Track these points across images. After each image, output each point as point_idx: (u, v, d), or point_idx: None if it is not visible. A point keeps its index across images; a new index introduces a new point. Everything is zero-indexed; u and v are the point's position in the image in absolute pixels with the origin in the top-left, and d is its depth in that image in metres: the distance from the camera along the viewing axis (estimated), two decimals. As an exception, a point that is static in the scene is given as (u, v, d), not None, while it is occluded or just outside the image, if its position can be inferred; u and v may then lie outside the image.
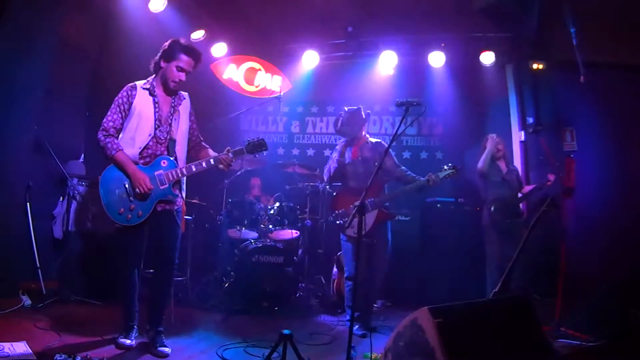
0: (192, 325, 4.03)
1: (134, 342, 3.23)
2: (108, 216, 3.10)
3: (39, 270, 4.25)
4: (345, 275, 4.38)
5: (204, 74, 5.93)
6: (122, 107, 3.21)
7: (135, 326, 3.30)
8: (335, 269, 5.28)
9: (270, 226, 5.25)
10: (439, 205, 5.79)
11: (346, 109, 4.45)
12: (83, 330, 3.41)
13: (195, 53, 3.30)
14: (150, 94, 3.27)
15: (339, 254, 4.94)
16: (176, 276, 3.67)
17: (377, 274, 4.22)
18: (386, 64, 6.27)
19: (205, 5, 5.92)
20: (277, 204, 5.31)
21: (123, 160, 3.13)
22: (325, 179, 4.60)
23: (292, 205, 5.35)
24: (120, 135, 3.24)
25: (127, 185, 3.13)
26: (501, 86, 6.24)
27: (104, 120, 3.19)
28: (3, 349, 2.69)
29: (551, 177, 4.71)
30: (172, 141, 3.30)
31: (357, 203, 3.08)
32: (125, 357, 3.08)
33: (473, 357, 2.13)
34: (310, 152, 7.25)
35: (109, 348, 3.14)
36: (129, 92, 3.23)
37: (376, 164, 3.47)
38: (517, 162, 5.84)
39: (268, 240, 5.07)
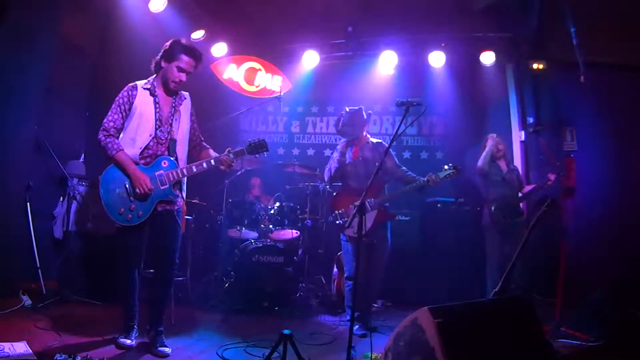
0: (192, 325, 4.03)
1: (134, 342, 3.23)
2: (108, 216, 3.10)
3: (39, 270, 4.25)
4: (345, 275, 4.38)
5: (204, 74, 5.93)
6: (122, 107, 3.20)
7: (135, 326, 3.30)
8: (335, 269, 5.28)
9: (271, 226, 5.25)
10: (439, 205, 5.80)
11: (347, 109, 4.45)
12: (83, 330, 3.41)
13: (196, 53, 3.29)
14: (151, 94, 3.26)
15: (339, 253, 4.94)
16: (176, 276, 3.66)
17: (377, 274, 4.22)
18: (386, 63, 6.28)
19: (205, 5, 5.92)
20: (278, 204, 5.31)
21: (123, 161, 3.13)
22: (326, 178, 4.60)
23: (292, 205, 5.36)
24: (121, 136, 3.23)
25: (127, 186, 3.13)
26: (501, 86, 6.25)
27: (105, 120, 3.19)
28: (3, 349, 2.69)
29: (552, 177, 4.71)
30: (173, 141, 3.29)
31: (357, 203, 3.08)
32: (126, 357, 3.08)
33: (473, 357, 2.13)
34: (311, 152, 7.26)
35: (109, 348, 3.14)
36: (130, 92, 3.23)
37: (377, 164, 3.47)
38: (518, 162, 5.84)
39: (268, 240, 5.07)
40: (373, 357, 3.12)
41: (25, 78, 4.22)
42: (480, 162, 4.89)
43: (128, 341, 3.20)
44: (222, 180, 5.28)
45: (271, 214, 5.26)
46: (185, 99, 3.43)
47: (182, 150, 3.37)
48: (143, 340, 3.30)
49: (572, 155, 4.94)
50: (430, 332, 2.09)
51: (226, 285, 4.93)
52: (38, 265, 4.27)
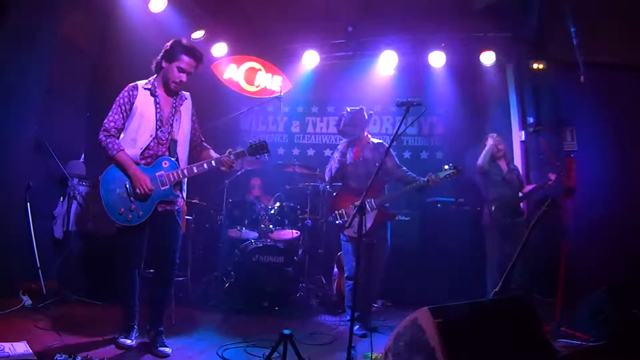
0: (192, 325, 4.03)
1: (134, 342, 3.23)
2: (108, 216, 3.10)
3: (40, 271, 4.25)
4: (345, 275, 4.38)
5: (205, 74, 5.93)
6: (123, 108, 3.20)
7: (135, 326, 3.30)
8: (335, 269, 5.28)
9: (271, 226, 5.26)
10: (439, 205, 5.80)
11: (349, 109, 4.45)
12: (83, 330, 3.41)
13: (197, 54, 3.28)
14: (152, 94, 3.26)
15: (339, 254, 4.94)
16: (177, 276, 3.66)
17: (377, 274, 4.22)
18: (386, 63, 6.28)
19: (205, 5, 5.92)
20: (278, 204, 5.32)
21: (124, 161, 3.13)
22: (327, 179, 4.60)
23: (292, 205, 5.36)
24: (122, 136, 3.23)
25: (127, 186, 3.13)
26: (501, 86, 6.25)
27: (105, 120, 3.19)
28: (3, 349, 2.69)
29: (552, 177, 4.71)
30: (174, 142, 3.29)
31: (357, 203, 3.08)
32: (126, 357, 3.08)
33: (473, 357, 2.13)
34: (311, 152, 7.26)
35: (109, 348, 3.14)
36: (130, 92, 3.22)
37: (377, 164, 3.47)
38: (518, 161, 5.84)
39: (268, 240, 5.08)
40: (373, 357, 3.12)
41: (25, 78, 4.22)
42: (480, 161, 4.89)
43: (128, 341, 3.20)
44: (222, 181, 5.28)
45: (271, 214, 5.26)
46: (186, 99, 3.42)
47: (182, 150, 3.36)
48: (143, 340, 3.30)
49: (572, 155, 4.95)
50: (431, 332, 2.10)
51: (226, 285, 4.93)
52: (38, 265, 4.27)
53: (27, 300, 3.96)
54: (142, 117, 3.20)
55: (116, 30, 5.28)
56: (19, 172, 4.31)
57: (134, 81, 3.30)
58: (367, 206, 4.03)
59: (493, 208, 4.75)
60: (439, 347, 2.04)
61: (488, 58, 5.92)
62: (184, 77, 3.25)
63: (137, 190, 3.09)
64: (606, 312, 3.66)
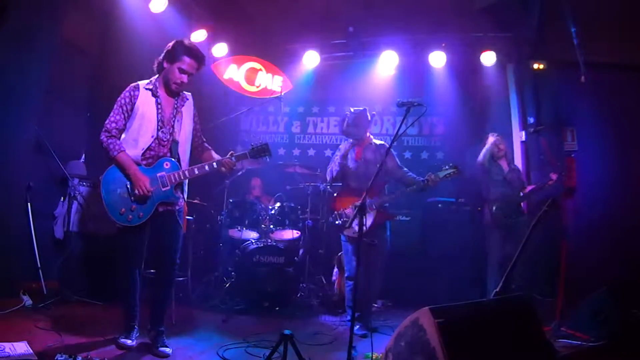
0: (193, 326, 4.04)
1: (134, 343, 3.23)
2: (109, 216, 3.10)
3: (40, 271, 4.25)
4: (345, 275, 4.38)
5: (205, 74, 5.93)
6: (124, 108, 3.19)
7: (136, 326, 3.30)
8: (336, 269, 5.28)
9: (271, 226, 5.25)
10: (439, 205, 5.80)
11: (352, 109, 4.43)
12: (84, 331, 3.41)
13: (198, 55, 3.26)
14: (153, 95, 3.25)
15: (339, 254, 4.94)
16: (177, 276, 3.66)
17: (377, 274, 4.22)
18: (387, 64, 6.28)
19: (206, 5, 5.93)
20: (278, 204, 5.31)
21: (124, 161, 3.12)
22: (328, 179, 4.60)
23: (293, 205, 5.36)
24: (123, 136, 3.22)
25: (128, 186, 3.12)
26: (502, 86, 6.25)
27: (107, 121, 3.18)
28: (4, 349, 2.69)
29: (554, 177, 4.71)
30: (175, 143, 3.29)
31: (357, 203, 3.08)
32: (126, 357, 3.08)
33: (474, 357, 2.13)
34: (311, 152, 7.25)
35: (109, 348, 3.14)
36: (132, 93, 3.21)
37: (377, 165, 3.47)
38: (518, 162, 5.83)
39: (269, 241, 5.07)
40: (374, 357, 3.12)
41: (25, 78, 4.22)
42: (480, 157, 4.92)
43: (129, 341, 3.20)
44: (223, 181, 5.28)
45: (272, 214, 5.26)
46: (187, 99, 3.41)
47: (184, 151, 3.35)
48: (144, 341, 3.30)
49: (572, 155, 4.95)
50: (431, 332, 2.10)
51: (227, 285, 4.93)
52: (39, 265, 4.26)
53: (27, 300, 3.96)
54: (143, 118, 3.20)
55: (116, 30, 5.28)
56: (19, 172, 4.31)
57: (134, 81, 3.28)
58: (367, 207, 4.02)
59: (494, 208, 4.75)
60: (439, 347, 2.04)
61: (488, 58, 5.92)
62: (185, 78, 3.24)
63: (136, 191, 3.09)
64: (606, 312, 3.66)
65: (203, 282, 5.25)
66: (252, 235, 5.28)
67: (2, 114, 4.05)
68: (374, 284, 4.26)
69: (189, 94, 3.46)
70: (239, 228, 5.21)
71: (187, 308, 4.51)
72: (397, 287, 5.15)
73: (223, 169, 3.29)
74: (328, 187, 5.26)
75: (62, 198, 4.74)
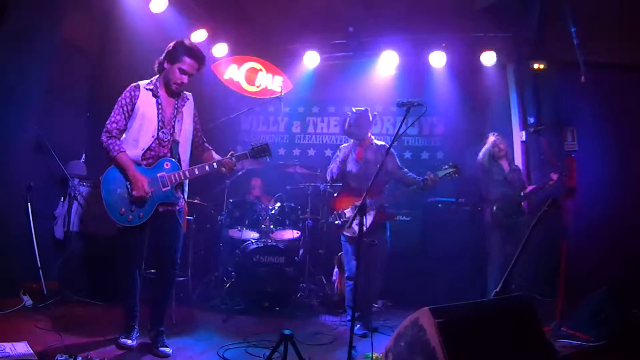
0: (193, 326, 4.04)
1: (135, 343, 3.23)
2: (109, 216, 3.10)
3: (40, 271, 4.25)
4: (345, 275, 4.38)
5: (205, 74, 5.93)
6: (125, 108, 3.19)
7: (136, 326, 3.30)
8: (336, 269, 5.28)
9: (272, 226, 5.25)
10: (439, 205, 5.80)
11: (354, 109, 4.43)
12: (84, 331, 3.41)
13: (199, 56, 3.25)
14: (154, 95, 3.24)
15: (340, 254, 4.94)
16: (177, 276, 3.66)
17: (377, 274, 4.22)
18: (387, 64, 6.28)
19: (206, 5, 5.92)
20: (278, 204, 5.32)
21: (124, 162, 3.12)
22: (328, 179, 4.60)
23: (293, 205, 5.36)
24: (124, 136, 3.22)
25: (128, 186, 3.12)
26: (502, 86, 6.25)
27: (107, 121, 3.18)
28: (4, 349, 2.69)
29: (554, 177, 4.70)
30: (176, 143, 3.28)
31: (357, 203, 3.08)
32: (127, 357, 3.08)
33: (474, 358, 2.13)
34: (312, 152, 7.25)
35: (110, 348, 3.14)
36: (132, 93, 3.21)
37: (378, 165, 3.48)
38: (518, 162, 5.83)
39: (269, 241, 5.08)
40: (374, 357, 3.12)
41: (25, 78, 4.22)
42: (480, 156, 4.92)
43: (129, 341, 3.20)
44: (223, 181, 5.28)
45: (272, 214, 5.26)
46: (188, 100, 3.41)
47: (184, 151, 3.35)
48: (144, 341, 3.30)
49: (572, 155, 4.95)
50: (431, 333, 2.10)
51: (227, 285, 4.93)
52: (39, 265, 4.27)
53: (27, 300, 3.96)
54: (143, 118, 3.20)
55: (116, 30, 5.28)
56: (19, 172, 4.31)
57: (135, 81, 3.28)
58: (367, 207, 4.02)
59: (495, 208, 4.75)
60: (439, 347, 2.04)
61: (489, 58, 5.91)
62: (185, 78, 3.23)
63: (134, 192, 3.08)
64: (606, 312, 3.66)
65: (203, 282, 5.25)
66: (252, 235, 5.28)
67: (2, 114, 4.05)
68: (374, 284, 4.26)
69: (190, 94, 3.46)
70: (239, 228, 5.21)
71: (188, 308, 4.52)
72: (397, 287, 5.15)
73: (223, 169, 3.29)
74: (328, 187, 5.27)
75: (62, 198, 4.74)
